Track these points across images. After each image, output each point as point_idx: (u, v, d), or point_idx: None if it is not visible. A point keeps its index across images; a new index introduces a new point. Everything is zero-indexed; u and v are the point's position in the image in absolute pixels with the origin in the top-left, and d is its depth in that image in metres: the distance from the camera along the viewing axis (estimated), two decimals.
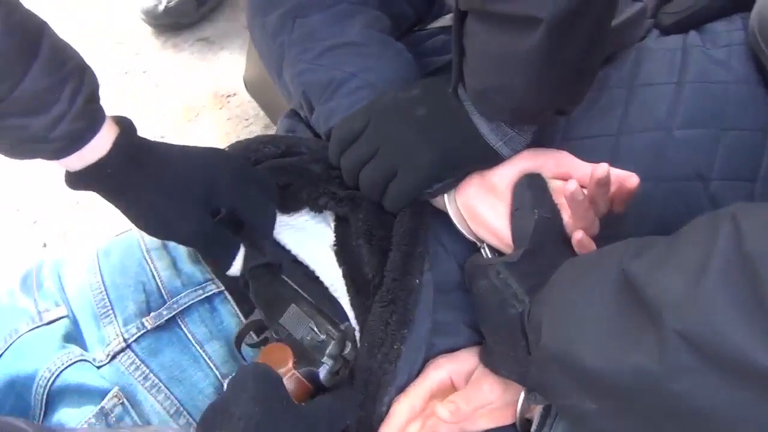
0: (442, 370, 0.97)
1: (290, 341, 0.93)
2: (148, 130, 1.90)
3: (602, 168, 0.85)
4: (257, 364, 0.83)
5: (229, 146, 1.14)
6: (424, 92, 0.97)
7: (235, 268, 1.01)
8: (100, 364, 0.99)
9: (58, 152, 0.87)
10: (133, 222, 0.96)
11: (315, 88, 1.06)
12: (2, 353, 0.99)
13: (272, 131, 1.25)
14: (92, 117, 0.88)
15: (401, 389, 0.96)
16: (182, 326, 1.01)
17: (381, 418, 0.95)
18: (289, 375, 0.89)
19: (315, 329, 0.92)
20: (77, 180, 0.91)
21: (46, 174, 1.81)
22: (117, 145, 0.90)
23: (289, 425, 0.79)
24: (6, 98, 0.80)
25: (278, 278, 1.01)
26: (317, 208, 1.05)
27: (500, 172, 0.95)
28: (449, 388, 0.97)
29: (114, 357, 0.99)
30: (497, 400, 0.95)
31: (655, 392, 0.66)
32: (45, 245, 1.72)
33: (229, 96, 1.97)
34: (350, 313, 1.00)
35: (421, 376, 0.97)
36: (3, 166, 1.76)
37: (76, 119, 0.85)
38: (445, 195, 0.98)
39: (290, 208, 1.07)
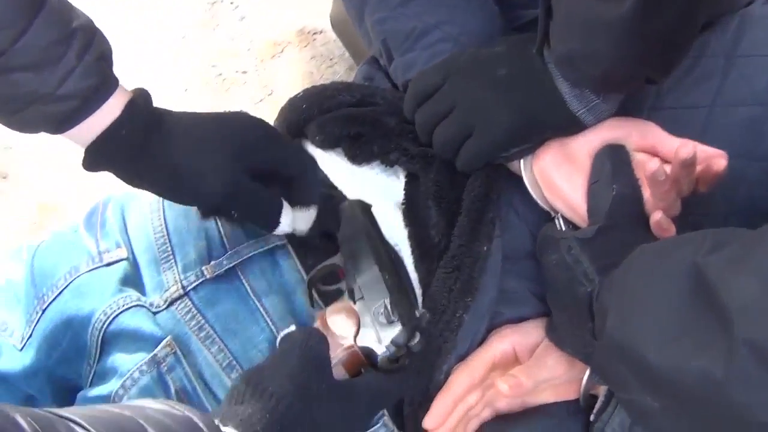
0: (505, 341, 0.94)
1: (360, 308, 0.89)
2: (229, 65, 1.89)
3: (687, 148, 0.80)
4: (309, 335, 0.80)
5: (303, 90, 1.11)
6: (507, 51, 0.93)
7: (284, 225, 0.96)
8: (157, 310, 0.98)
9: (69, 116, 0.83)
10: (155, 192, 0.93)
11: (395, 38, 1.03)
12: (61, 291, 0.99)
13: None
14: (104, 76, 0.84)
15: (462, 357, 0.94)
16: (242, 278, 0.99)
17: (438, 386, 0.93)
18: (348, 346, 0.85)
19: (389, 307, 0.87)
20: (92, 154, 0.87)
21: None
22: (131, 104, 0.86)
23: (323, 408, 0.76)
24: (8, 49, 0.77)
25: (371, 225, 0.96)
26: (388, 163, 1.03)
27: (581, 141, 0.91)
28: (512, 360, 0.94)
29: (171, 304, 0.98)
30: (561, 376, 0.93)
31: (719, 400, 0.62)
32: None
33: (315, 33, 1.93)
34: (413, 276, 0.97)
35: (483, 346, 0.95)
36: None
37: (85, 76, 0.82)
38: (522, 160, 0.94)
39: (360, 159, 1.04)
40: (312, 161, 1.02)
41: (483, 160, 0.94)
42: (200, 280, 0.98)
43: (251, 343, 0.96)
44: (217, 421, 0.69)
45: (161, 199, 1.04)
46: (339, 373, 0.84)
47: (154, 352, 0.94)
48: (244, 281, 0.99)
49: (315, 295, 0.96)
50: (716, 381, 0.62)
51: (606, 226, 0.84)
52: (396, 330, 0.84)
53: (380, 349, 0.84)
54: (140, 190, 0.93)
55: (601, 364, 0.80)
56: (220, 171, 0.90)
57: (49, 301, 0.98)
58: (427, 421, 0.90)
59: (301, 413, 0.73)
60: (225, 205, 0.93)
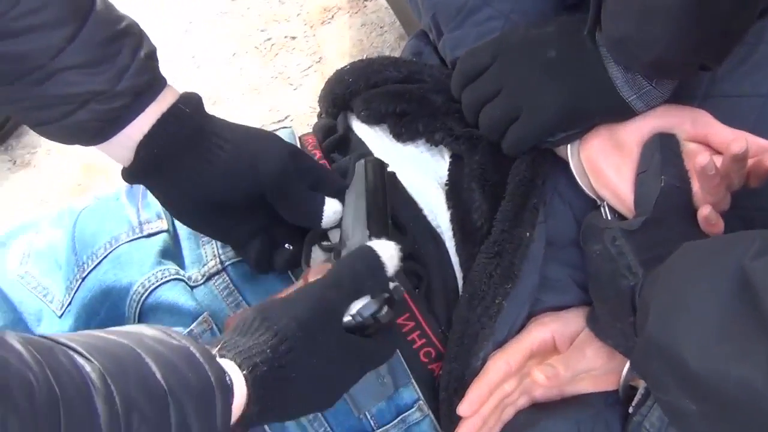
0: (545, 329, 0.93)
1: None
2: (279, 30, 1.88)
3: (740, 143, 0.77)
4: (328, 287, 0.79)
5: (350, 63, 1.11)
6: (558, 32, 0.90)
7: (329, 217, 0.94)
8: (195, 284, 0.97)
9: (120, 114, 0.84)
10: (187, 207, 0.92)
11: (445, 13, 1.01)
12: (101, 260, 0.99)
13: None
14: (154, 74, 0.86)
15: (500, 344, 0.93)
16: None
17: (475, 372, 0.91)
18: None
19: None
20: (144, 149, 0.87)
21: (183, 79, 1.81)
22: (178, 103, 0.87)
23: (324, 359, 0.76)
24: (65, 48, 0.78)
25: (381, 186, 0.94)
26: (433, 142, 1.01)
27: (630, 128, 0.88)
28: (551, 348, 0.93)
29: (209, 278, 0.97)
30: (601, 368, 0.92)
31: (758, 409, 0.61)
32: None
33: (366, 0, 1.91)
34: (454, 258, 0.96)
35: (522, 333, 0.93)
36: None
37: (139, 73, 0.83)
38: (569, 146, 0.92)
39: (405, 137, 1.03)
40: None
41: (529, 143, 0.92)
42: (239, 257, 0.98)
43: None
44: (214, 351, 0.70)
45: None
46: None
47: (191, 327, 0.94)
48: None
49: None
50: (756, 390, 0.60)
51: (653, 218, 0.82)
52: (365, 300, 0.82)
53: (345, 318, 0.82)
54: None
55: (640, 361, 0.79)
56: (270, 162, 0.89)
57: (89, 269, 0.99)
58: (461, 408, 0.89)
59: (301, 358, 0.73)
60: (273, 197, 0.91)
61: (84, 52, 0.79)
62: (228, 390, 0.67)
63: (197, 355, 0.66)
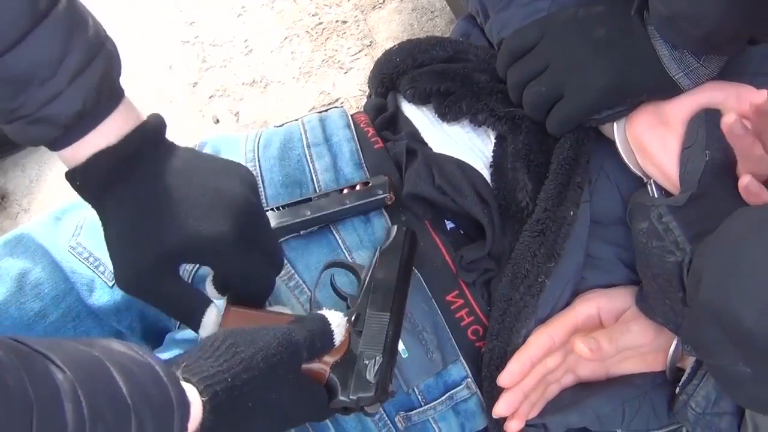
0: (591, 304, 0.93)
1: (352, 339, 0.87)
2: (330, 14, 1.89)
3: (762, 94, 0.76)
4: (294, 330, 0.79)
5: (398, 44, 1.12)
6: (606, 10, 0.90)
7: (207, 329, 0.85)
8: None
9: (53, 142, 0.78)
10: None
11: None
12: None
13: None
14: (94, 102, 0.77)
15: (542, 322, 0.93)
16: (334, 232, 0.99)
17: (517, 349, 0.91)
18: (323, 365, 0.84)
19: (375, 366, 0.85)
20: (69, 179, 0.82)
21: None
22: (117, 146, 0.79)
23: (279, 394, 0.76)
24: None
25: (409, 261, 0.94)
26: (476, 122, 1.01)
27: (676, 105, 0.87)
28: (596, 325, 0.93)
29: None
30: (647, 345, 0.91)
31: None
32: (218, 121, 1.74)
33: None
34: (488, 234, 0.96)
35: (567, 308, 0.93)
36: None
37: (72, 101, 0.75)
38: (615, 124, 0.92)
39: (449, 117, 1.03)
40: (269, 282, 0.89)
41: (574, 122, 0.92)
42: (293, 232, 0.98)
43: None
44: (178, 372, 0.70)
45: (256, 148, 1.06)
46: None
47: None
48: (336, 235, 0.99)
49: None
50: None
51: (698, 193, 0.82)
52: (368, 391, 0.84)
53: (344, 395, 0.84)
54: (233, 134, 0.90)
55: (691, 329, 0.78)
56: (139, 267, 0.81)
57: None
58: (502, 378, 0.89)
59: (259, 389, 0.74)
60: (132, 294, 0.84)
61: (14, 68, 0.73)
62: (187, 411, 0.67)
63: (161, 373, 0.66)
